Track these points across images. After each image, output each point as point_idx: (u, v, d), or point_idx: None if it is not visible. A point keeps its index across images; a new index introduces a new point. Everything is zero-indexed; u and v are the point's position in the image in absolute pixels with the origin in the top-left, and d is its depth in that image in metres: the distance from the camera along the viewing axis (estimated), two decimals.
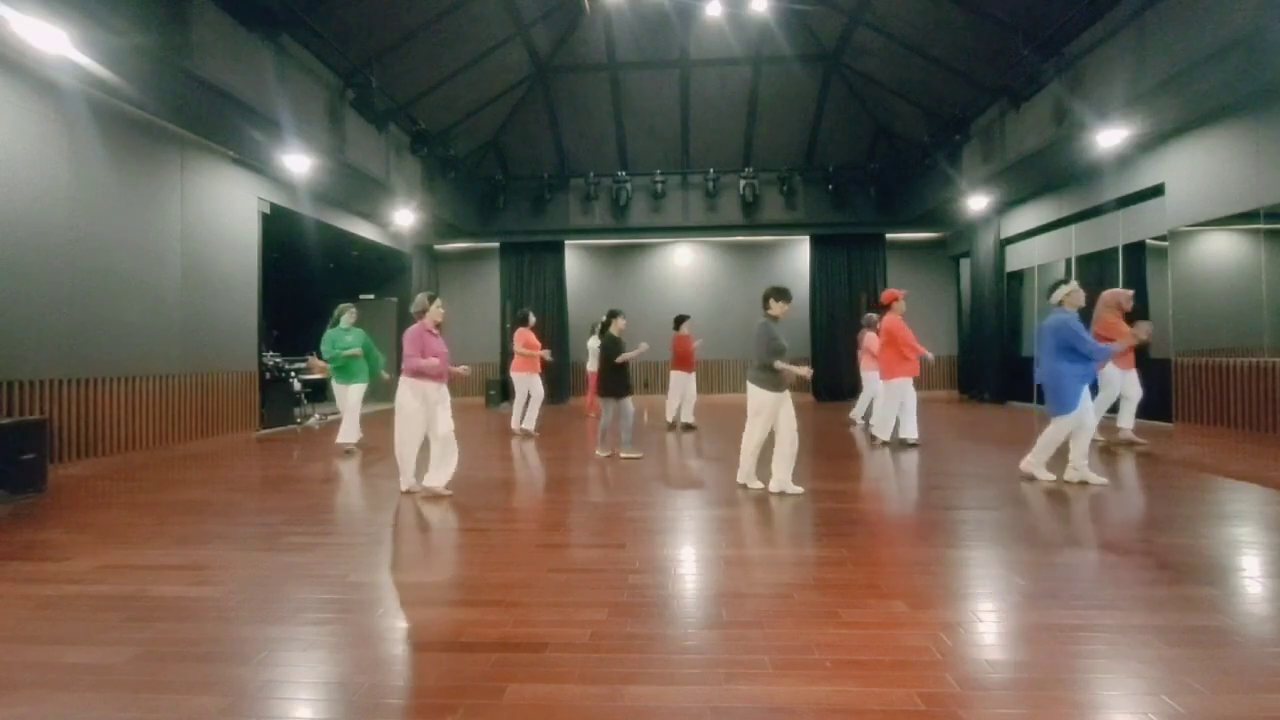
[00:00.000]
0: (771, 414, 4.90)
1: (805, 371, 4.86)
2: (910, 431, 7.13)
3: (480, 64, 10.14)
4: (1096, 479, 5.03)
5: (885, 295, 7.28)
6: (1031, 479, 5.19)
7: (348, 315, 7.47)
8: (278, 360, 9.75)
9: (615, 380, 6.71)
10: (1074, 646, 2.39)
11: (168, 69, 5.55)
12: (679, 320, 9.01)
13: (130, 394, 6.72)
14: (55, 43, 4.99)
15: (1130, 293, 6.63)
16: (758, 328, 4.92)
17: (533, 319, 8.94)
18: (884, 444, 7.12)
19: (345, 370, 7.29)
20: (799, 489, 4.89)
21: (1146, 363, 8.53)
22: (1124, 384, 6.73)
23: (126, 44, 5.09)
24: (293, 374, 9.78)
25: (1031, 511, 4.35)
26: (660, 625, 2.64)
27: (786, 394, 4.95)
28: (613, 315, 6.93)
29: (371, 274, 13.40)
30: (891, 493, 5.12)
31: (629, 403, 6.73)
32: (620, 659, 2.36)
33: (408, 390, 4.98)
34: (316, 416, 10.01)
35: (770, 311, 4.93)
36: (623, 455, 6.62)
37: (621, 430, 6.68)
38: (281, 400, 9.48)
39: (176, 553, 3.68)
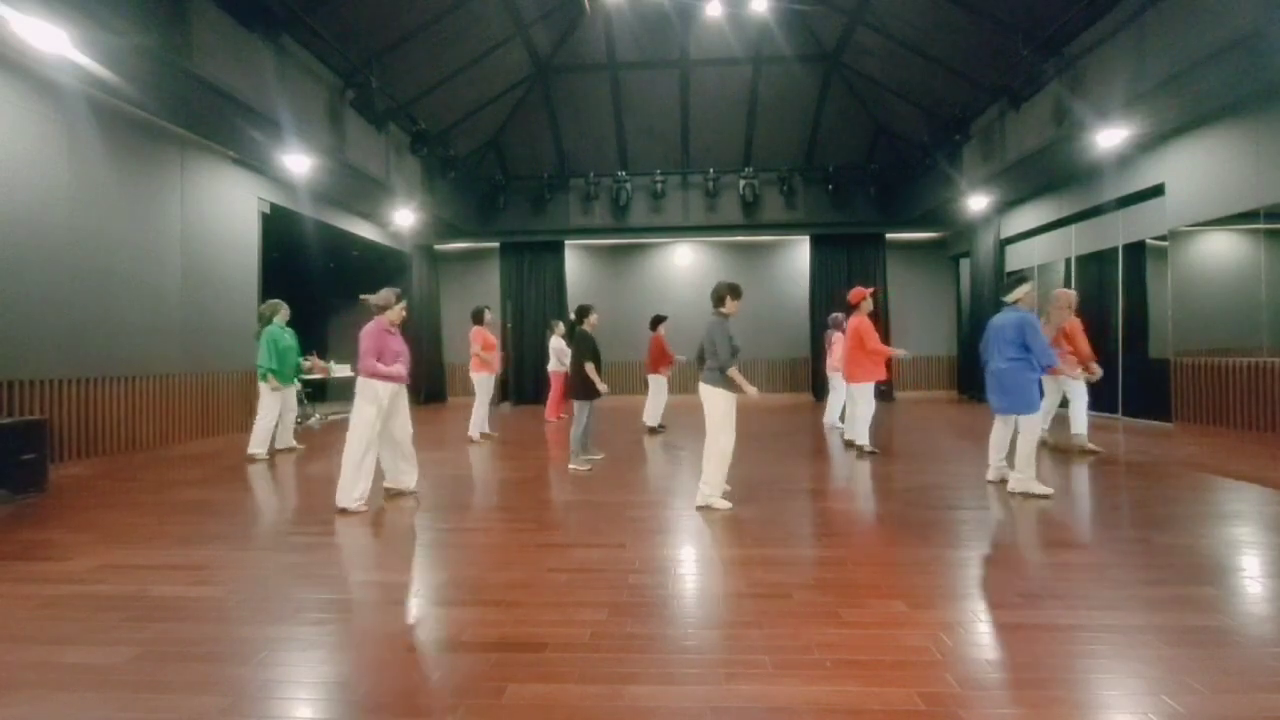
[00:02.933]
0: (732, 417, 4.49)
1: (753, 391, 4.47)
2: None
3: (480, 64, 10.14)
4: (1042, 489, 4.74)
5: (853, 294, 6.79)
6: (1028, 496, 4.71)
7: (282, 313, 7.06)
8: None
9: (588, 381, 6.01)
10: (1074, 646, 2.39)
11: (168, 69, 5.55)
12: (656, 320, 8.71)
13: (130, 394, 6.72)
14: (55, 43, 4.99)
15: (1074, 293, 6.57)
16: (711, 326, 4.47)
17: (489, 316, 8.18)
18: (870, 452, 6.54)
19: (282, 372, 6.96)
20: (728, 504, 4.49)
21: (1144, 363, 8.58)
22: (1073, 390, 6.51)
23: (126, 44, 5.09)
24: None
25: (1031, 512, 4.35)
26: (660, 625, 2.64)
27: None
28: (584, 311, 6.27)
29: (371, 274, 13.37)
30: (888, 494, 5.12)
31: (594, 407, 6.17)
32: (620, 659, 2.36)
33: (361, 393, 4.61)
34: (317, 416, 10.03)
35: (724, 310, 4.53)
36: (571, 466, 6.01)
37: (573, 437, 6.06)
38: None
39: (177, 553, 3.68)
